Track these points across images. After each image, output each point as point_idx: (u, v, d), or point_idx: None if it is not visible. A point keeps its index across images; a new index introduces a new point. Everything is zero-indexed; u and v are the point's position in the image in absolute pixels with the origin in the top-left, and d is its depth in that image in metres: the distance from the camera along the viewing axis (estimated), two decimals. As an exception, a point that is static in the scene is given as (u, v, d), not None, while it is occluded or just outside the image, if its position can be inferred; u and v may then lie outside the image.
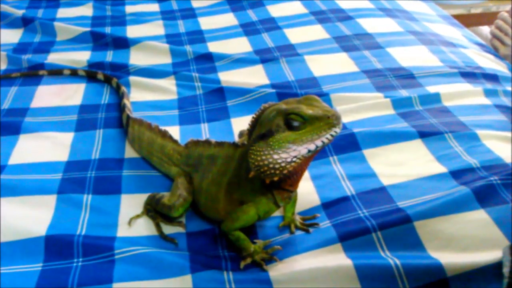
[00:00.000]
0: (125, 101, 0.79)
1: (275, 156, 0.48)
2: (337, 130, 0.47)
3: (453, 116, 0.75)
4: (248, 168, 0.51)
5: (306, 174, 0.65)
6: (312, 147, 0.47)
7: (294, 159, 0.48)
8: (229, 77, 0.90)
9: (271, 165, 0.48)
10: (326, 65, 0.93)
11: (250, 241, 0.54)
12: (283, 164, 0.48)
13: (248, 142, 0.52)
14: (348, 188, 0.62)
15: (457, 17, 1.47)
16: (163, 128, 0.67)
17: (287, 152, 0.47)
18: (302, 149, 0.47)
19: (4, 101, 0.85)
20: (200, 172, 0.59)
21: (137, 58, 1.00)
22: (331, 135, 0.47)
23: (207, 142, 0.59)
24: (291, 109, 0.47)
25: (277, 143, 0.47)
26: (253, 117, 0.51)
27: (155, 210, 0.60)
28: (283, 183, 0.51)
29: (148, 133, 0.68)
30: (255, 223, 0.57)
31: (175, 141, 0.65)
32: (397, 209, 0.57)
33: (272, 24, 1.13)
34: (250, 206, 0.53)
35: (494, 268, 0.48)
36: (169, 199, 0.58)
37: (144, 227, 0.59)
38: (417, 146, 0.69)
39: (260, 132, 0.49)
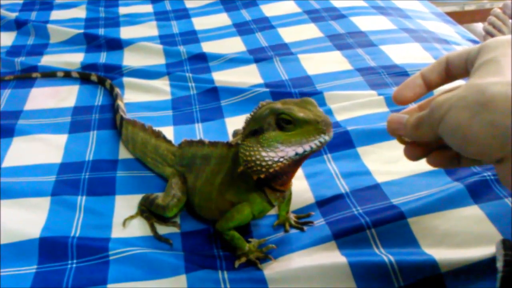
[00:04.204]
0: (119, 102, 0.79)
1: (263, 154, 0.48)
2: (326, 138, 0.46)
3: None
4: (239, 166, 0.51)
5: (300, 173, 0.65)
6: (300, 150, 0.47)
7: (281, 159, 0.47)
8: (223, 77, 0.90)
9: (258, 162, 0.48)
10: (320, 63, 0.93)
11: (245, 240, 0.54)
12: (269, 163, 0.48)
13: (241, 140, 0.52)
14: (343, 186, 0.62)
15: (450, 14, 1.47)
16: (156, 128, 0.67)
17: (275, 151, 0.47)
18: (289, 151, 0.47)
19: (-3, 104, 0.85)
20: (193, 172, 0.59)
21: (130, 59, 1.00)
22: (320, 142, 0.46)
23: (200, 142, 0.59)
24: (283, 110, 0.47)
25: (266, 141, 0.47)
26: (250, 115, 0.51)
27: (149, 211, 0.60)
28: (273, 183, 0.51)
29: (142, 134, 0.68)
30: (249, 222, 0.57)
31: (169, 142, 0.65)
32: (391, 206, 0.57)
33: (265, 24, 1.13)
34: (245, 206, 0.53)
35: (488, 263, 0.48)
36: (163, 199, 0.58)
37: (139, 228, 0.59)
38: (411, 143, 0.69)
39: (253, 128, 0.49)
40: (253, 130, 0.49)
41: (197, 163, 0.59)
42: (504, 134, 0.29)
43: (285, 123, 0.47)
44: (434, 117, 0.33)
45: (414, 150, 0.40)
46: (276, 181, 0.51)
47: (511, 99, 0.29)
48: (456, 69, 0.38)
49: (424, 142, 0.39)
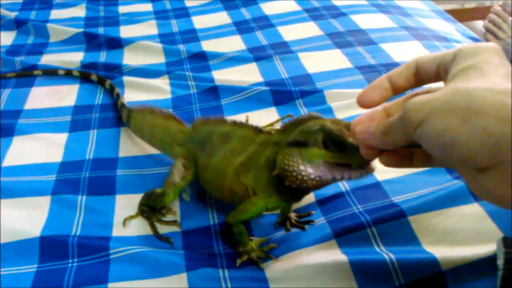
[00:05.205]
0: (122, 101, 0.79)
1: (302, 167, 0.47)
2: (368, 171, 0.44)
3: (447, 111, 0.75)
4: (270, 162, 0.50)
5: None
6: (338, 176, 0.45)
7: (317, 178, 0.46)
8: (223, 76, 0.90)
9: (294, 173, 0.47)
10: (320, 62, 0.93)
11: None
12: (305, 178, 0.47)
13: (277, 134, 0.51)
14: (343, 184, 0.62)
15: (451, 12, 1.47)
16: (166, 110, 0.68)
17: (313, 168, 0.46)
18: (327, 174, 0.46)
19: (-3, 103, 0.85)
20: (207, 149, 0.58)
21: (130, 58, 1.00)
22: (360, 174, 0.44)
23: (220, 119, 0.58)
24: (334, 131, 0.45)
25: (308, 156, 0.46)
26: (298, 117, 0.50)
27: (149, 208, 0.60)
28: (300, 193, 0.52)
29: (150, 116, 0.68)
30: (250, 222, 0.57)
31: (180, 121, 0.65)
32: (392, 204, 0.57)
33: (265, 22, 1.13)
34: (259, 199, 0.52)
35: (489, 261, 0.48)
36: (161, 188, 0.58)
37: (139, 227, 0.59)
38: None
39: (297, 139, 0.48)
40: (296, 141, 0.48)
41: (213, 140, 0.57)
42: (496, 141, 0.28)
43: (332, 144, 0.45)
44: (410, 121, 0.31)
45: (371, 150, 0.38)
46: (303, 192, 0.51)
47: (511, 107, 0.28)
48: (426, 74, 0.37)
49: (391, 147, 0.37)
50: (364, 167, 0.44)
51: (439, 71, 0.36)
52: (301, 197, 0.53)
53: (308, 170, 0.46)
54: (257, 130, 0.54)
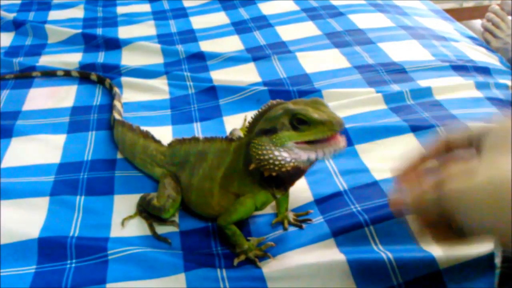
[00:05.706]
0: (116, 102, 0.79)
1: (276, 153, 0.48)
2: (340, 147, 0.47)
3: (445, 110, 0.75)
4: (247, 161, 0.51)
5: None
6: (312, 156, 0.47)
7: (293, 161, 0.48)
8: (221, 76, 0.90)
9: (271, 161, 0.48)
10: (318, 61, 0.93)
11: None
12: (282, 162, 0.48)
13: (246, 135, 0.52)
14: (341, 184, 0.62)
15: (449, 11, 1.47)
16: (145, 128, 0.67)
17: (288, 152, 0.47)
18: (302, 155, 0.47)
19: (-5, 104, 0.85)
20: (187, 169, 0.59)
21: (128, 58, 1.00)
22: (333, 150, 0.47)
23: (194, 139, 0.59)
24: (298, 110, 0.47)
25: (280, 141, 0.47)
26: (258, 111, 0.51)
27: (146, 211, 0.60)
28: (282, 182, 0.52)
29: (130, 135, 0.68)
30: (248, 221, 0.57)
31: (158, 142, 0.65)
32: (390, 203, 0.57)
33: (263, 22, 1.13)
34: (247, 198, 0.53)
35: (487, 259, 0.48)
36: (158, 200, 0.58)
37: (137, 227, 0.59)
38: (409, 140, 0.69)
39: (265, 127, 0.49)
40: (264, 130, 0.49)
41: (191, 160, 0.58)
42: None
43: (300, 123, 0.46)
44: (450, 207, 0.32)
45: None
46: (285, 181, 0.51)
47: None
48: (458, 146, 0.39)
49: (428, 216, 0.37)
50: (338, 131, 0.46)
51: (472, 143, 0.37)
52: (286, 187, 0.53)
53: (283, 154, 0.47)
54: (229, 139, 0.55)
